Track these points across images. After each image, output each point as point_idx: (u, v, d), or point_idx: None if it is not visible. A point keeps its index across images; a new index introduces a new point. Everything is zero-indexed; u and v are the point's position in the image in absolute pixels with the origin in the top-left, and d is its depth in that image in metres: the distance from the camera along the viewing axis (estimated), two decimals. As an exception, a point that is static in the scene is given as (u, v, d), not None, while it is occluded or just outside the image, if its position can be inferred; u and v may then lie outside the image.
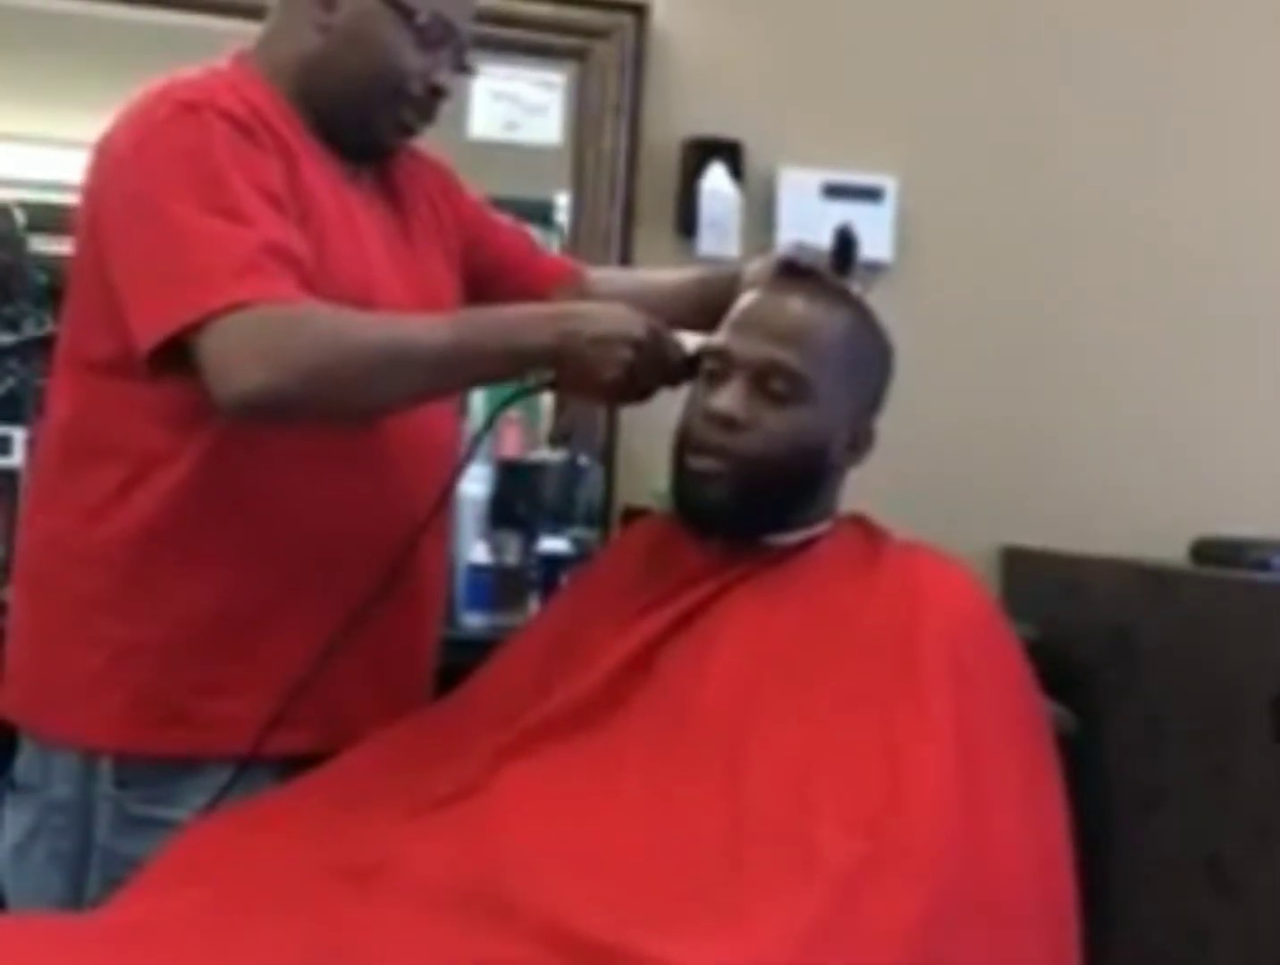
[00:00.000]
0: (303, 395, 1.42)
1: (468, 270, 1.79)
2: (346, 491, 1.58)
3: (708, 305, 1.63)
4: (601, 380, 1.48)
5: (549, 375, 1.53)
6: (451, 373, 1.51)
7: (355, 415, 1.54)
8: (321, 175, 1.58)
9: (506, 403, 1.61)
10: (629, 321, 1.49)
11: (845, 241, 1.58)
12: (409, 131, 1.68)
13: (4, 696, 1.60)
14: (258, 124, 1.51)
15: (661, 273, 1.94)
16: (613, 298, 1.75)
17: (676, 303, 1.75)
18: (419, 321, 1.52)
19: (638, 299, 1.72)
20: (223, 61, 1.61)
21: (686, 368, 1.55)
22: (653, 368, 1.50)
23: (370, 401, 1.50)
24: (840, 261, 1.57)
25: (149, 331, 1.43)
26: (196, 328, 1.40)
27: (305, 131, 1.59)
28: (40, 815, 1.56)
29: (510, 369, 1.54)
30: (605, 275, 1.96)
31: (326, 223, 1.55)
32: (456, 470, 1.62)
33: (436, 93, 1.65)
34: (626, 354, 1.47)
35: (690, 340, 1.54)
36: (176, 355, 1.43)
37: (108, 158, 1.52)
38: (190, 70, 1.56)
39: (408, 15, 1.59)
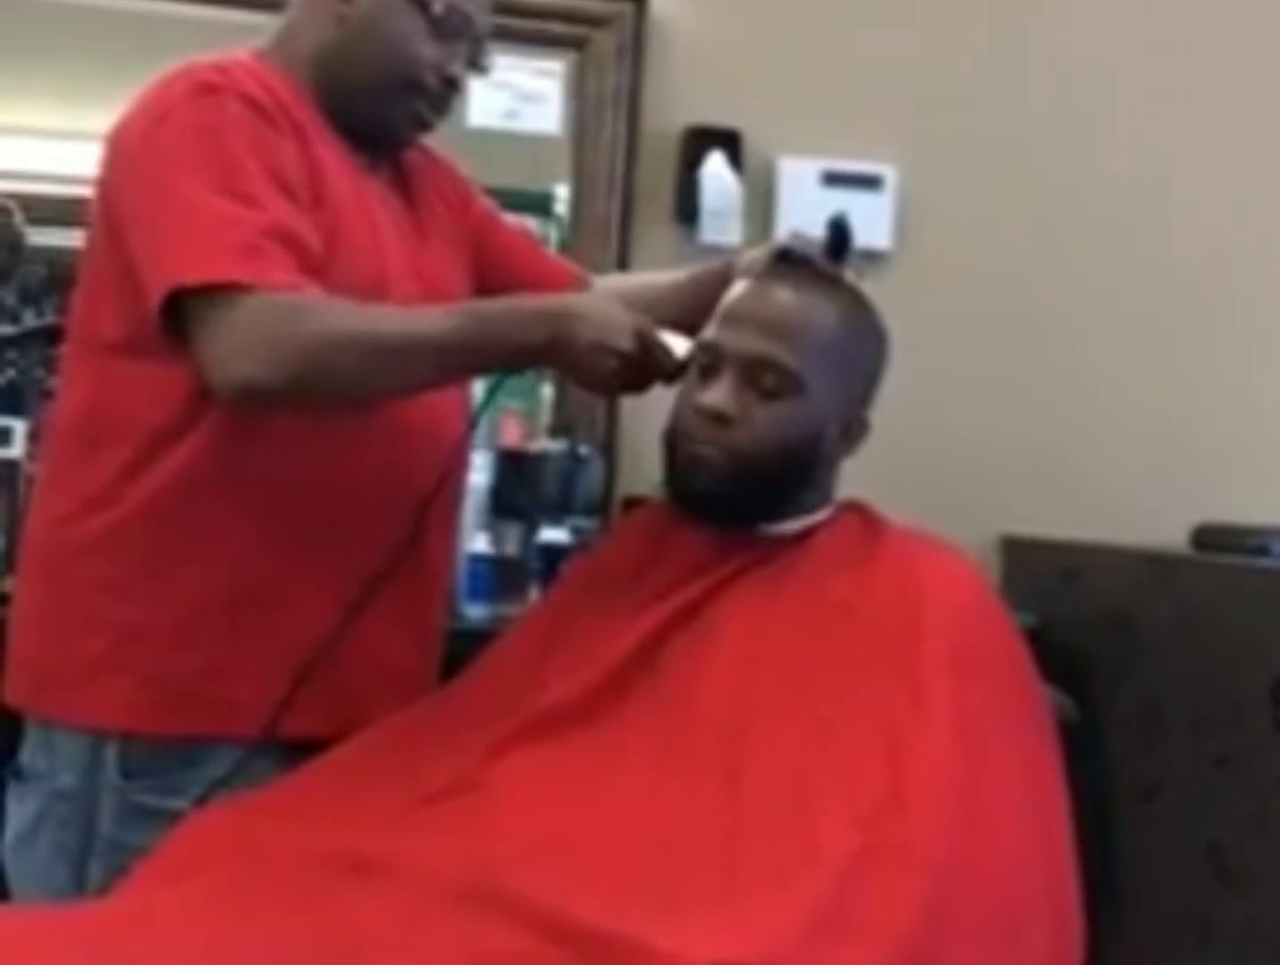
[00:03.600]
0: (298, 387, 1.44)
1: (476, 271, 1.80)
2: (355, 472, 1.58)
3: (701, 301, 1.63)
4: (590, 384, 1.55)
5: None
6: (448, 365, 1.53)
7: (351, 405, 1.55)
8: (337, 164, 1.59)
9: (500, 382, 1.62)
10: (618, 331, 1.50)
11: (839, 231, 1.57)
12: (424, 123, 1.68)
13: (9, 684, 1.60)
14: (275, 108, 1.52)
15: (658, 274, 1.95)
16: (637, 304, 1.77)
17: (672, 302, 1.76)
18: (416, 313, 1.53)
19: (635, 301, 1.73)
20: (241, 53, 1.61)
21: (678, 371, 1.56)
22: (641, 374, 1.53)
23: (366, 393, 1.52)
24: (834, 251, 1.57)
25: (157, 297, 1.44)
26: (194, 303, 1.42)
27: (322, 122, 1.60)
28: (45, 804, 1.56)
29: (506, 362, 1.56)
30: (606, 281, 1.96)
31: (341, 209, 1.56)
32: (459, 446, 1.63)
33: (451, 84, 1.66)
34: (612, 362, 1.49)
35: (681, 345, 1.55)
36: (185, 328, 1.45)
37: (124, 138, 1.53)
38: (208, 57, 1.56)
39: (423, 6, 1.60)
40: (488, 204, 1.88)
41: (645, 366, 1.52)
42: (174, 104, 1.49)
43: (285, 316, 1.43)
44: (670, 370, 1.55)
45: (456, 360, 1.52)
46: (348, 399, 1.52)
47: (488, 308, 1.56)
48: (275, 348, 1.41)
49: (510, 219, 1.92)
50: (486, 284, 1.79)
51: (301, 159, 1.53)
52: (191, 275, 1.42)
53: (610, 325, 1.50)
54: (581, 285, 1.89)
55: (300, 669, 1.52)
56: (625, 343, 1.49)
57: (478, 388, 1.77)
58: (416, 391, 1.57)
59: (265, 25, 1.68)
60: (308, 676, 1.53)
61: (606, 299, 1.59)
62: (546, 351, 1.50)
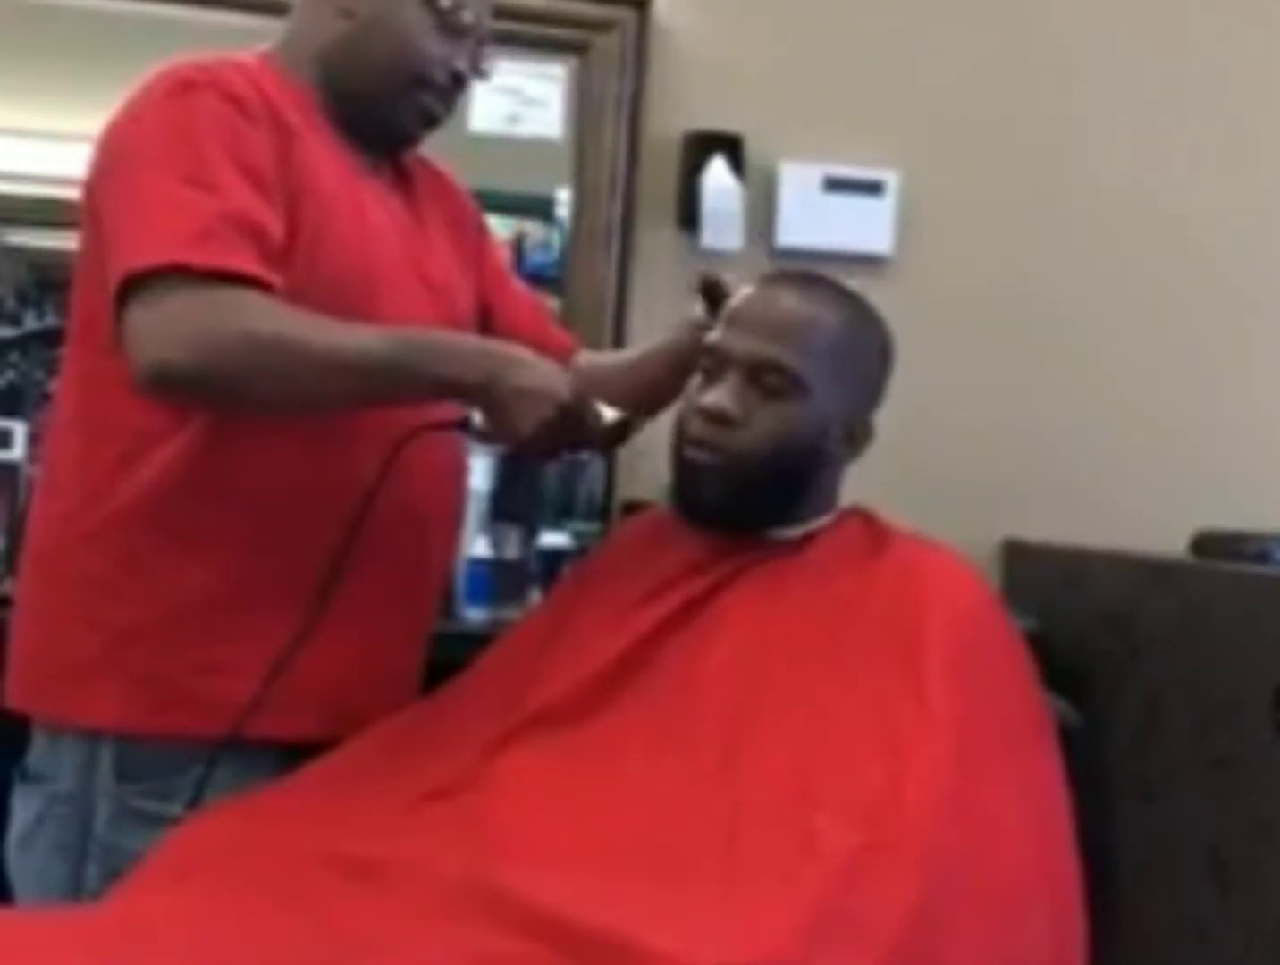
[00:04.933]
0: (214, 380, 1.43)
1: (479, 315, 1.80)
2: (345, 469, 1.58)
3: (651, 377, 1.70)
4: (519, 430, 1.49)
5: (464, 417, 1.55)
6: (374, 388, 1.50)
7: (271, 410, 1.53)
8: (329, 160, 1.59)
9: (414, 433, 1.57)
10: (556, 381, 1.50)
11: (710, 289, 1.62)
12: (432, 119, 1.69)
13: (10, 685, 1.60)
14: (257, 103, 1.52)
15: (614, 353, 2.00)
16: (594, 377, 1.77)
17: (622, 377, 1.79)
18: (358, 332, 1.49)
19: (615, 368, 1.78)
20: (243, 55, 1.62)
21: (604, 438, 1.56)
22: (570, 430, 1.51)
23: (285, 400, 1.50)
24: (710, 307, 1.60)
25: (114, 285, 1.44)
26: (140, 286, 1.42)
27: (322, 121, 1.61)
28: (45, 806, 1.57)
29: (439, 394, 1.54)
30: (588, 356, 1.94)
31: (329, 205, 1.55)
32: (390, 457, 1.59)
33: (458, 80, 1.67)
34: (548, 412, 1.48)
35: (609, 412, 1.55)
36: None
37: (105, 138, 1.54)
38: (205, 56, 1.57)
39: (431, 1, 1.61)
40: (501, 258, 1.90)
41: (575, 423, 1.51)
42: (151, 103, 1.51)
43: (219, 310, 1.42)
44: (598, 432, 1.54)
45: (383, 384, 1.50)
46: (265, 403, 1.49)
47: (428, 338, 1.54)
48: (199, 337, 1.40)
49: (524, 286, 1.93)
50: (485, 334, 1.79)
51: (281, 153, 1.52)
52: (144, 259, 1.42)
53: (548, 375, 1.50)
54: (572, 358, 1.87)
55: (272, 668, 1.52)
56: (564, 391, 1.49)
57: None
58: (340, 409, 1.55)
59: (249, 26, 1.69)
60: (289, 677, 1.52)
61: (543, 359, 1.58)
62: (481, 391, 1.49)
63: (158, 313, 1.41)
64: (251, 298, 1.44)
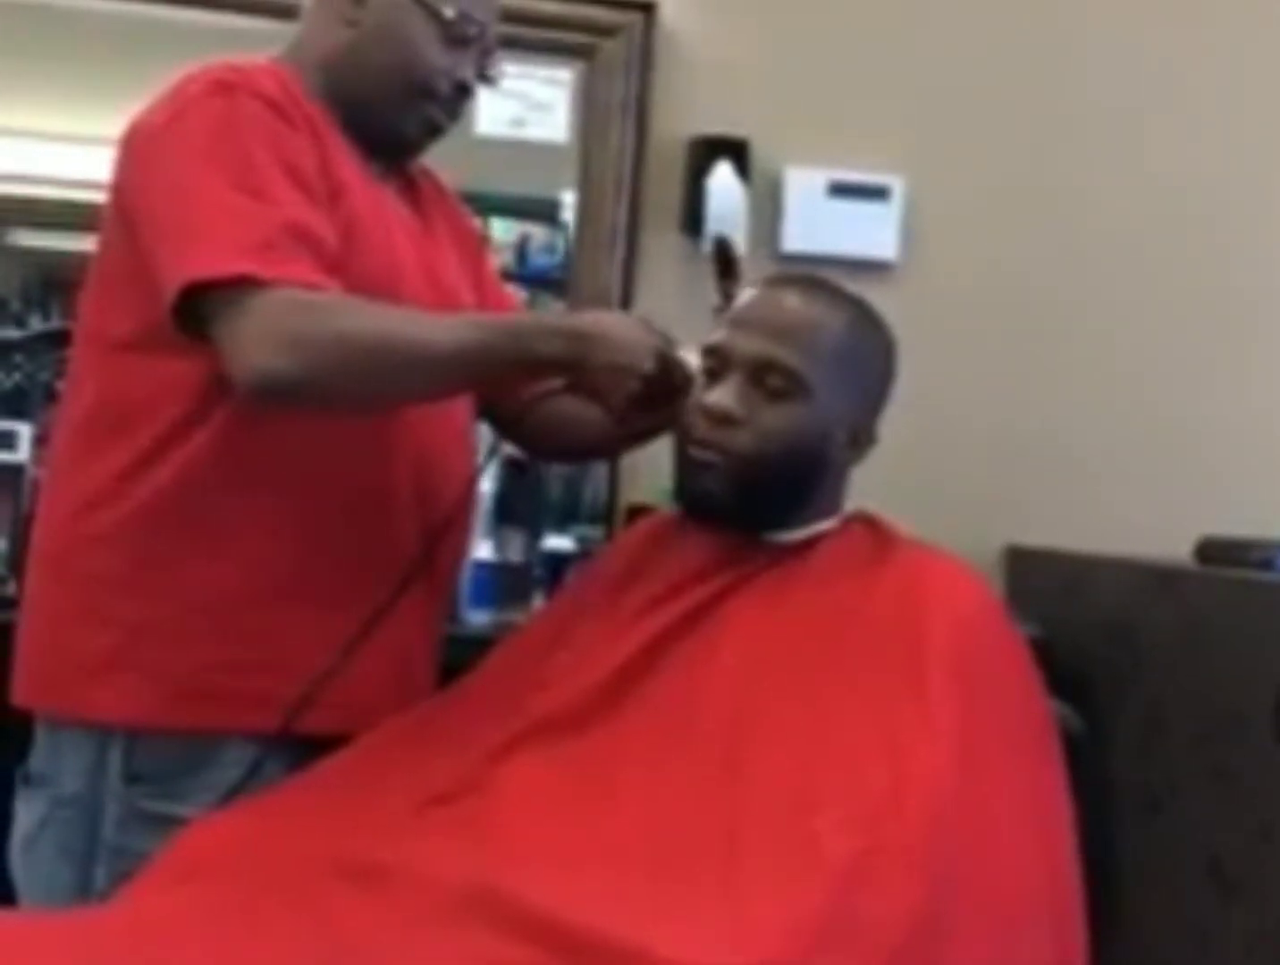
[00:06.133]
0: (317, 383, 1.44)
1: None
2: (363, 468, 1.59)
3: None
4: (610, 403, 1.53)
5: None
6: (468, 373, 1.54)
7: (370, 406, 1.56)
8: (351, 167, 1.59)
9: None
10: (638, 353, 1.51)
11: (722, 251, 1.61)
12: (436, 128, 1.69)
13: (17, 683, 1.60)
14: (291, 105, 1.52)
15: None
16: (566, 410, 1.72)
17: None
18: (440, 320, 1.53)
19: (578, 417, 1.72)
20: (257, 59, 1.62)
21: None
22: (660, 394, 1.53)
23: (384, 395, 1.52)
24: (722, 270, 1.60)
25: (172, 292, 1.43)
26: (212, 299, 1.41)
27: (334, 126, 1.61)
28: (49, 809, 1.56)
29: (526, 374, 1.58)
30: None
31: (356, 210, 1.56)
32: (467, 487, 1.63)
33: (463, 90, 1.67)
34: (634, 386, 1.51)
35: (696, 359, 1.56)
36: (200, 323, 1.45)
37: (139, 137, 1.53)
38: (225, 59, 1.57)
39: (435, 12, 1.61)
40: (497, 276, 1.90)
41: (663, 386, 1.53)
42: (189, 103, 1.50)
43: (309, 312, 1.43)
44: (688, 383, 1.55)
45: (480, 369, 1.53)
46: (366, 400, 1.52)
47: (510, 320, 1.57)
48: (299, 342, 1.41)
49: (518, 302, 1.94)
50: None
51: (317, 155, 1.53)
52: (207, 270, 1.41)
53: (630, 346, 1.51)
54: None
55: (309, 677, 1.52)
56: (646, 364, 1.51)
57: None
58: (435, 398, 1.59)
59: (261, 30, 1.69)
60: (306, 673, 1.53)
61: (629, 318, 1.59)
62: (568, 365, 1.52)
63: (247, 322, 1.41)
64: (334, 299, 1.45)
